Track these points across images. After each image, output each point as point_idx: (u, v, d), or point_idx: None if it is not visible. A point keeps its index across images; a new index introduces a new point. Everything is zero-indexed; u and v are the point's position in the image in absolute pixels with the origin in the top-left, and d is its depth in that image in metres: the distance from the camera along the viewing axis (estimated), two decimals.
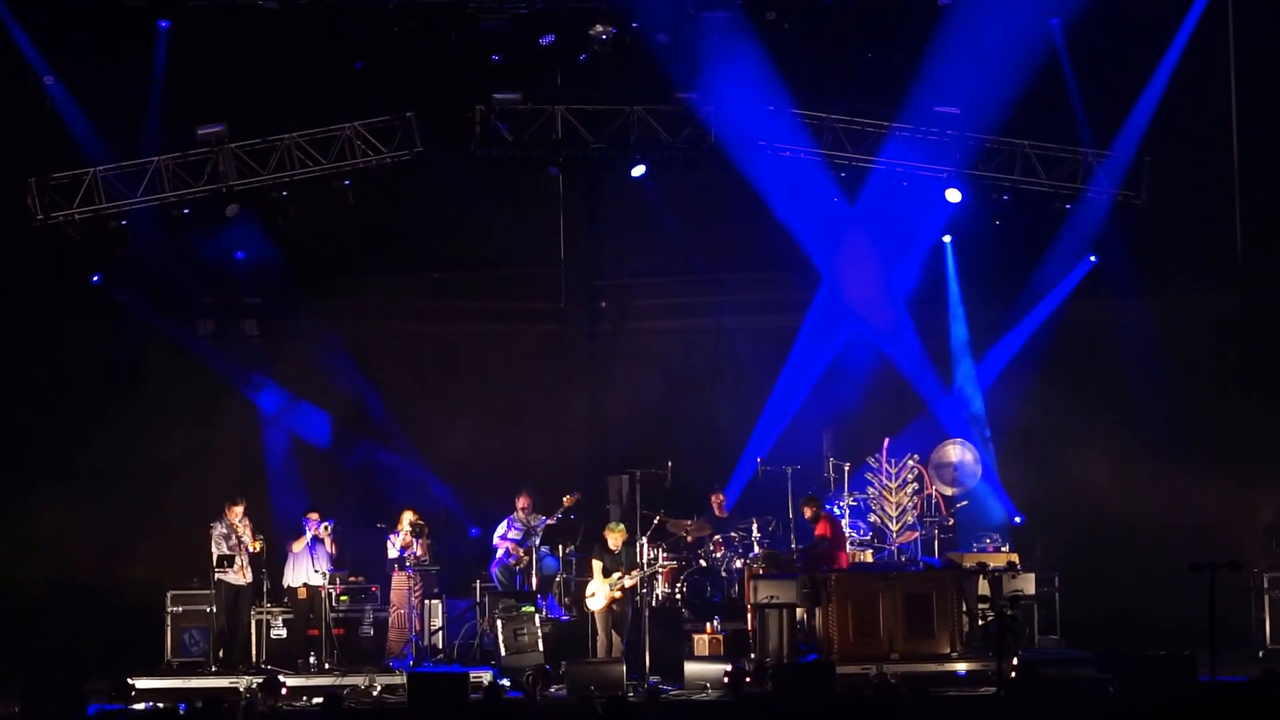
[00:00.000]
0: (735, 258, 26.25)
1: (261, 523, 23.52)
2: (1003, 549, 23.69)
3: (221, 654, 22.65)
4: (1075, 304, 25.75)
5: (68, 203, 23.93)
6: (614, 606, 21.97)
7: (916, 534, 24.02)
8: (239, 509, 22.85)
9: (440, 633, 23.35)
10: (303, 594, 23.01)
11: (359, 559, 24.01)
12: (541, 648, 22.14)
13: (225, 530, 22.69)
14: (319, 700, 19.31)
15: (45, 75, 23.52)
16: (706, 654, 22.03)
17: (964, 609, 22.11)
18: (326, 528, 23.16)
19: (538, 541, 23.84)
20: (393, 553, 23.18)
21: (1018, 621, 18.86)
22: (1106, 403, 25.24)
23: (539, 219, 26.14)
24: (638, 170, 25.25)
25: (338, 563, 23.39)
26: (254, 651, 22.81)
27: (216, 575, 22.62)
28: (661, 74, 24.31)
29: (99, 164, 23.98)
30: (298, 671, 22.05)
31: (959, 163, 24.99)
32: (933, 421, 25.79)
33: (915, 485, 24.05)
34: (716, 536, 23.73)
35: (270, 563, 23.45)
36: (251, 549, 22.79)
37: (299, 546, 23.17)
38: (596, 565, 22.23)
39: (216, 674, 22.05)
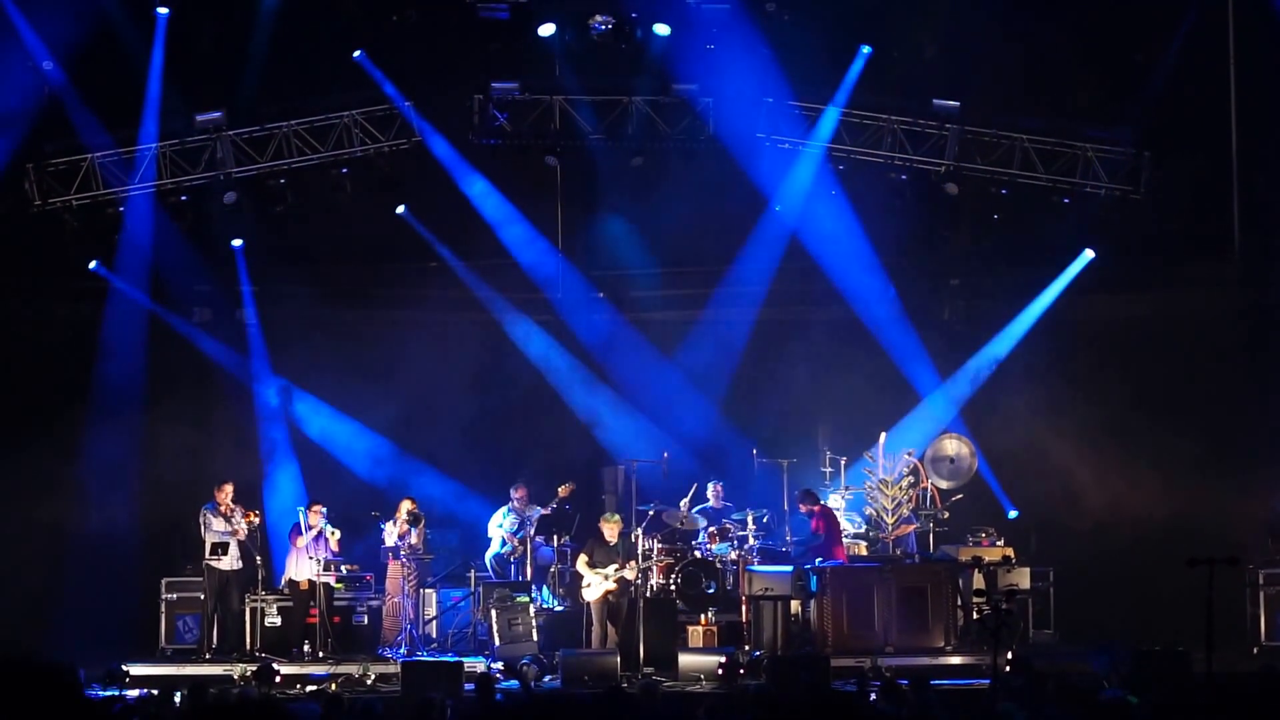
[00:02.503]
0: (732, 250, 26.10)
1: (258, 511, 23.55)
2: (998, 543, 23.66)
3: (215, 641, 22.67)
4: (1072, 298, 25.64)
5: (65, 188, 23.94)
6: (609, 597, 21.89)
7: (912, 527, 23.96)
8: (229, 489, 22.93)
9: (434, 622, 23.35)
10: (305, 586, 22.95)
11: (354, 547, 23.97)
12: (536, 638, 22.14)
13: (219, 514, 22.71)
14: (311, 689, 19.28)
15: (43, 60, 23.37)
16: (701, 645, 21.96)
17: (959, 603, 22.08)
18: (334, 534, 23.05)
19: (532, 531, 23.78)
20: (389, 541, 23.12)
21: (1013, 615, 18.78)
22: (1103, 397, 25.19)
23: (536, 209, 26.00)
24: (635, 160, 25.16)
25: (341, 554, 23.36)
26: (248, 639, 22.77)
27: (206, 561, 22.64)
28: (660, 65, 24.29)
29: (97, 150, 23.96)
30: (292, 660, 21.98)
31: (957, 156, 24.91)
32: (929, 415, 25.78)
33: (911, 479, 23.95)
34: (712, 528, 23.67)
35: (265, 551, 23.46)
36: (247, 525, 22.78)
37: (303, 542, 22.99)
38: (582, 559, 22.10)
39: (210, 661, 22.04)
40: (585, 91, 24.66)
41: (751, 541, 23.23)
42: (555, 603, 23.35)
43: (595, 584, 21.90)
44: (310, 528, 22.93)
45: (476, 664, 20.94)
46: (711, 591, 22.83)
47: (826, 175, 25.29)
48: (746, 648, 21.76)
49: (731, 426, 26.01)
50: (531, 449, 25.92)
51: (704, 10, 23.89)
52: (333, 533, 23.01)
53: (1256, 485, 23.85)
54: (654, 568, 22.78)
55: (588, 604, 22.01)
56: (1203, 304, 25.34)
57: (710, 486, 24.52)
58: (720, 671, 20.32)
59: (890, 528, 23.67)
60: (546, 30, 23.85)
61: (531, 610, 22.37)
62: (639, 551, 22.41)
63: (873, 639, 21.77)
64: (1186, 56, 24.29)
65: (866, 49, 24.51)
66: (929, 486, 24.36)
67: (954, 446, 24.82)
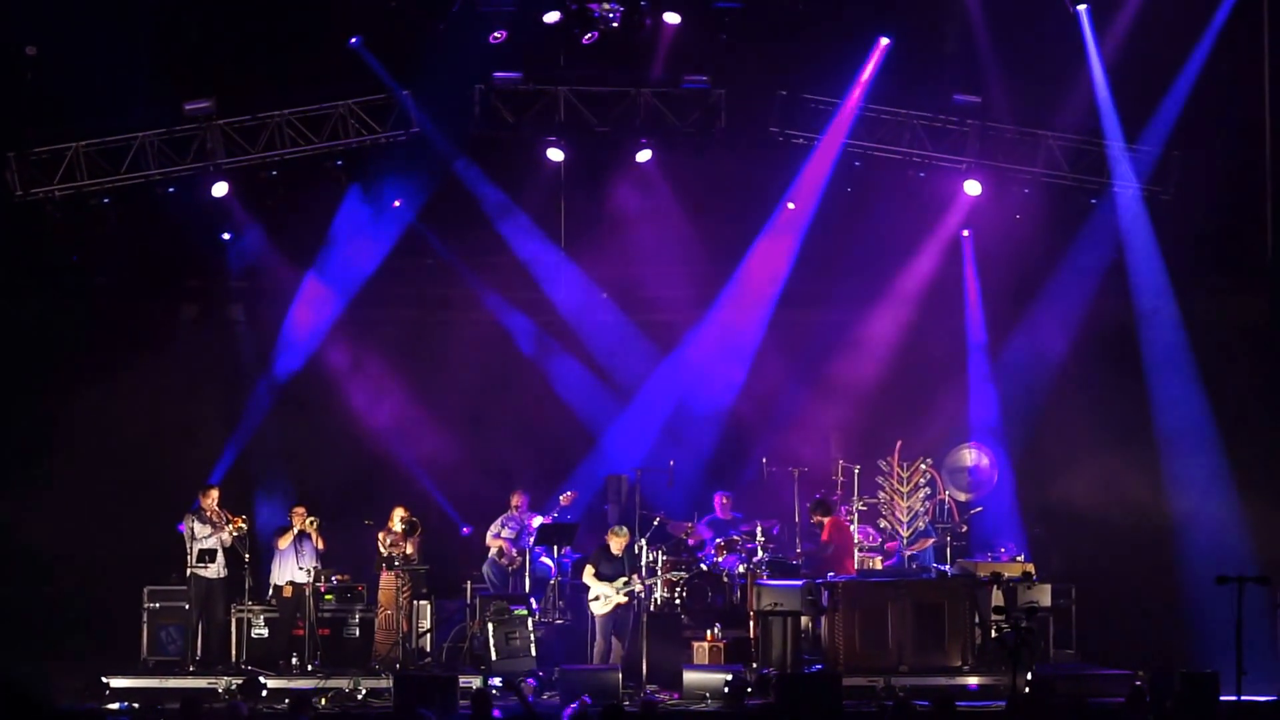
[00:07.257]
0: (743, 249, 25.71)
1: (245, 517, 23.21)
2: (1018, 558, 23.21)
3: (199, 652, 22.41)
4: (1098, 302, 25.08)
5: (48, 179, 23.43)
6: (618, 611, 21.70)
7: (930, 541, 23.63)
8: (214, 493, 22.77)
9: (429, 635, 22.83)
10: (288, 592, 22.73)
11: (346, 556, 23.56)
12: (534, 652, 21.94)
13: (204, 520, 22.47)
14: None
15: (27, 46, 22.82)
16: (706, 662, 21.51)
17: (976, 620, 21.68)
18: (313, 522, 22.90)
19: (532, 541, 23.35)
20: (382, 551, 22.66)
21: (1033, 634, 18.22)
22: (1128, 405, 24.59)
23: (539, 204, 25.53)
24: (643, 155, 24.74)
25: (324, 559, 23.09)
26: (234, 651, 22.56)
27: (192, 569, 22.37)
28: (670, 56, 23.81)
29: (82, 139, 23.44)
30: (279, 672, 21.76)
31: (979, 153, 24.47)
32: (947, 423, 25.36)
33: (927, 490, 23.57)
34: (719, 540, 23.27)
35: (253, 558, 23.13)
36: (232, 531, 22.54)
37: (284, 543, 22.97)
38: (588, 571, 21.90)
39: (194, 674, 21.85)
40: (591, 82, 24.18)
41: (760, 554, 22.81)
42: (554, 615, 22.99)
43: (604, 597, 21.70)
44: (292, 528, 22.84)
45: (472, 679, 20.45)
46: (718, 606, 22.47)
47: (843, 172, 24.77)
48: (754, 665, 21.39)
49: (740, 433, 25.71)
50: (532, 455, 25.57)
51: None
52: (312, 522, 22.79)
53: None
54: (658, 580, 22.39)
55: (594, 617, 21.82)
56: (1232, 308, 24.85)
57: (717, 497, 24.26)
58: (726, 690, 20.04)
59: (906, 541, 23.16)
60: (552, 18, 23.26)
61: (530, 624, 22.10)
62: (643, 563, 22.11)
63: (886, 657, 21.46)
64: (1219, 54, 23.77)
65: (885, 41, 23.99)
66: (946, 499, 24.08)
67: (973, 457, 24.70)
